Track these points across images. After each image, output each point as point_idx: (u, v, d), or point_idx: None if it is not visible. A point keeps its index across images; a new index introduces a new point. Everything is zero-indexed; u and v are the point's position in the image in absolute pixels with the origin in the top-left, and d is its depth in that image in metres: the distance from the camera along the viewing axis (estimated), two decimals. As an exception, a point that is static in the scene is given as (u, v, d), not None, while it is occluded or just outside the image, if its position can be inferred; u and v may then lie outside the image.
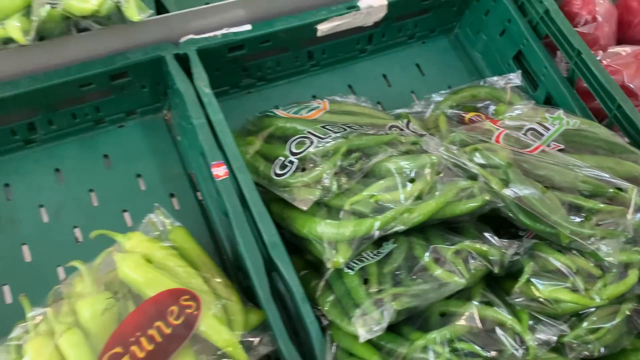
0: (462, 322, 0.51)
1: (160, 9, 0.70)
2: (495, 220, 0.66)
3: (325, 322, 0.57)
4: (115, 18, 0.59)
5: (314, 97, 0.82)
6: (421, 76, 0.87)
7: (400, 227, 0.58)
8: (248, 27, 0.71)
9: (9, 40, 0.55)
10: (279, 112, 0.72)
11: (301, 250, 0.65)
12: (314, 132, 0.64)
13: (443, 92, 0.82)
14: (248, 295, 0.60)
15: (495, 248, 0.56)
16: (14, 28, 0.53)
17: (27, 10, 0.57)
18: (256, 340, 0.55)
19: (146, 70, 0.68)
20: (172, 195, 0.72)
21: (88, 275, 0.54)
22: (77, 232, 0.68)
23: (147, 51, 0.67)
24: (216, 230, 0.70)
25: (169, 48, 0.68)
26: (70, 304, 0.53)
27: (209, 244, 0.70)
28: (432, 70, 0.88)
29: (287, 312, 0.60)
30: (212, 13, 0.69)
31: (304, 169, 0.61)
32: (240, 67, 0.76)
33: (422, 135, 0.69)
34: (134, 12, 0.57)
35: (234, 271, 0.67)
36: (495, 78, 0.82)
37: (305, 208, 0.58)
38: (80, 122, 0.71)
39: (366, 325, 0.50)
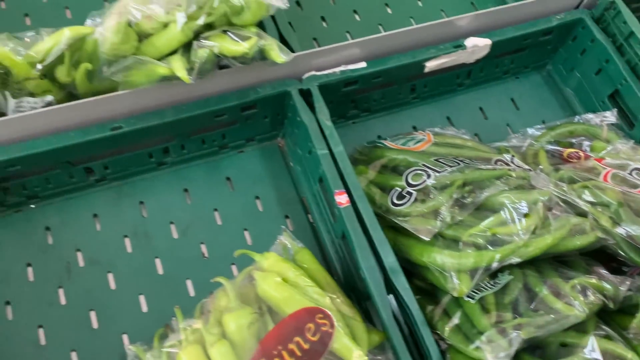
0: (583, 353, 0.54)
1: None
2: (595, 255, 0.69)
3: (443, 346, 0.61)
4: (256, 57, 0.66)
5: (414, 127, 0.87)
6: (516, 110, 0.91)
7: (515, 260, 0.62)
8: (363, 64, 0.76)
9: (170, 78, 0.62)
10: (388, 144, 0.77)
11: (410, 275, 0.69)
12: (429, 165, 0.69)
13: (538, 126, 0.86)
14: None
15: (609, 283, 0.60)
16: (181, 69, 0.59)
17: (181, 50, 0.64)
18: (381, 358, 0.59)
19: (272, 103, 0.74)
20: (286, 217, 0.78)
21: (232, 290, 0.60)
22: (203, 248, 0.74)
23: (275, 86, 0.73)
24: (327, 251, 0.75)
25: (294, 84, 0.74)
26: (215, 316, 0.59)
27: (320, 263, 0.75)
28: (526, 105, 0.91)
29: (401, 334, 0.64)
30: (332, 52, 0.74)
31: (423, 200, 0.66)
32: (350, 99, 0.81)
33: (527, 170, 0.73)
34: (278, 54, 0.63)
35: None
36: (589, 115, 0.85)
37: (427, 238, 0.63)
38: (208, 147, 0.77)
39: (494, 352, 0.53)
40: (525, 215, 0.64)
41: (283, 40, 0.76)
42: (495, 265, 0.60)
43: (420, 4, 0.98)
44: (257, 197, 0.78)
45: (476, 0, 1.00)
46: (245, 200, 0.78)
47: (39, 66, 0.58)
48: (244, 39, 0.64)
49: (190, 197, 0.77)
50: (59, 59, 0.59)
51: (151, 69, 0.60)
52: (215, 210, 0.77)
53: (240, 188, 0.78)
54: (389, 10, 0.97)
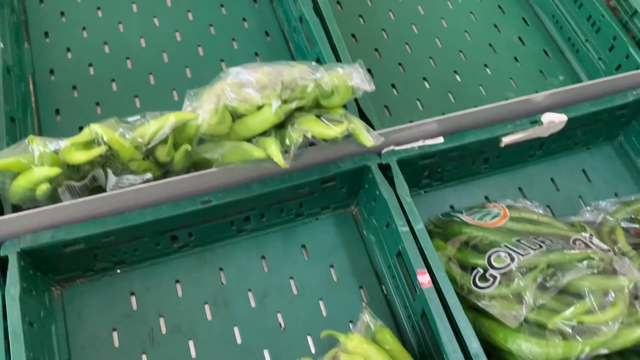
0: None
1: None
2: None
3: None
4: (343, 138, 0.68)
5: (487, 198, 0.87)
6: (587, 182, 0.91)
7: (603, 351, 0.61)
8: (441, 140, 0.78)
9: (266, 160, 0.64)
10: (465, 218, 0.78)
11: (488, 355, 0.69)
12: (511, 247, 0.69)
13: (611, 200, 0.85)
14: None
15: None
16: (278, 155, 0.61)
17: (273, 131, 0.67)
18: None
19: (351, 176, 0.76)
20: (361, 287, 0.78)
21: (319, 372, 0.61)
22: (280, 318, 0.75)
23: (355, 161, 0.75)
24: (401, 324, 0.75)
25: (373, 158, 0.75)
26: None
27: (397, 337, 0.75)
28: (598, 176, 0.91)
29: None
30: (411, 128, 0.76)
31: (507, 285, 0.66)
32: (424, 170, 0.83)
33: (607, 251, 0.72)
34: (366, 138, 0.65)
35: (420, 368, 0.72)
36: (665, 190, 0.85)
37: (514, 326, 0.62)
38: (285, 215, 0.79)
39: None
40: (612, 304, 0.63)
41: (361, 113, 0.79)
42: (583, 357, 0.60)
43: (489, 71, 1.00)
44: (332, 266, 0.79)
45: (545, 68, 1.01)
46: (320, 268, 0.79)
47: (144, 148, 0.61)
48: (332, 120, 0.67)
49: (268, 265, 0.78)
50: (161, 140, 0.62)
51: (247, 151, 0.63)
52: (291, 278, 0.78)
53: (315, 256, 0.80)
54: (458, 78, 0.98)
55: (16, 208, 0.67)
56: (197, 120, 0.61)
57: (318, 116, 0.66)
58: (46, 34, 0.94)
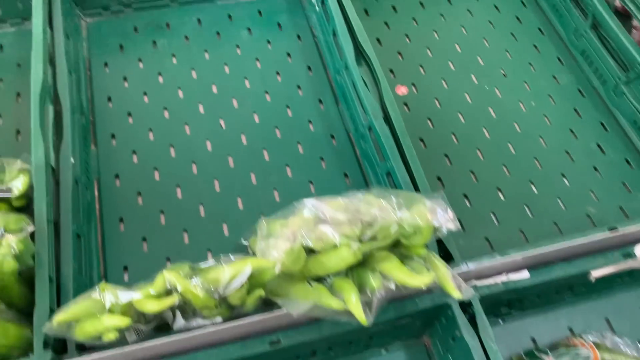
0: None
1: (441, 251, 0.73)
2: None
3: None
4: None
5: (571, 330, 0.80)
6: (684, 314, 0.83)
7: None
8: (526, 275, 0.72)
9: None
10: (551, 362, 0.71)
11: None
12: (611, 411, 0.62)
13: None
14: None
15: None
16: (360, 312, 0.57)
17: (350, 272, 0.63)
18: None
19: (428, 313, 0.71)
20: None
21: None
22: None
23: (434, 298, 0.70)
24: None
25: (454, 295, 0.70)
26: None
27: None
28: (694, 307, 0.83)
29: None
30: (495, 262, 0.71)
31: None
32: (505, 301, 0.77)
33: None
34: (454, 289, 0.60)
35: None
36: None
37: None
38: (354, 347, 0.74)
39: None
40: None
41: (439, 241, 0.74)
42: None
43: (566, 182, 0.93)
44: (403, 408, 0.74)
45: (628, 180, 0.94)
46: (391, 410, 0.73)
47: (217, 295, 0.58)
48: (410, 258, 0.63)
49: (334, 402, 0.73)
50: (234, 286, 0.59)
51: (325, 302, 0.59)
52: (358, 420, 0.72)
53: (383, 395, 0.74)
54: (534, 189, 0.92)
55: (80, 344, 0.64)
56: (274, 267, 0.58)
57: (400, 259, 0.61)
58: (113, 136, 0.93)
